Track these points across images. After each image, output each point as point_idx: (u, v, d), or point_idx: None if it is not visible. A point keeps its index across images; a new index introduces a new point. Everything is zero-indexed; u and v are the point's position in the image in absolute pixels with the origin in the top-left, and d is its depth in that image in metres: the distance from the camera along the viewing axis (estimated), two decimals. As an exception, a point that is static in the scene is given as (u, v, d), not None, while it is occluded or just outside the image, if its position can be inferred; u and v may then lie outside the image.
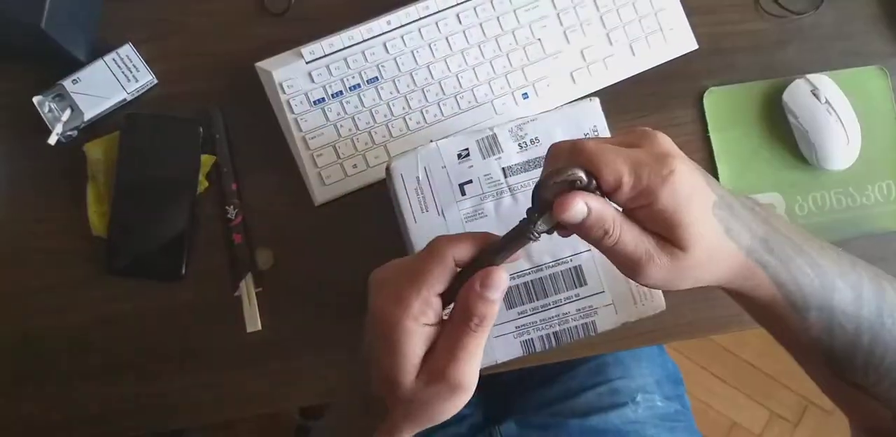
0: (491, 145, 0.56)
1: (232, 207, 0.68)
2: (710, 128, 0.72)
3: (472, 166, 0.56)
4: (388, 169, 0.57)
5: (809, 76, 0.72)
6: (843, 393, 0.46)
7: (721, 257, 0.40)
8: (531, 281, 0.56)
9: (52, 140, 0.66)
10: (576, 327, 0.56)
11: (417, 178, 0.56)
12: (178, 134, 0.68)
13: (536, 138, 0.57)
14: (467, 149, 0.56)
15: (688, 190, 0.38)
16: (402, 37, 0.68)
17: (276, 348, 0.69)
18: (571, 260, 0.56)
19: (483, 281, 0.40)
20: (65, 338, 0.68)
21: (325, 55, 0.67)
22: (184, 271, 0.68)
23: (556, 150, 0.42)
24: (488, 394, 0.89)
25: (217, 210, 0.69)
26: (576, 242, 0.56)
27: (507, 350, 0.56)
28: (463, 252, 0.41)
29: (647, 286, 0.46)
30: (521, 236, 0.41)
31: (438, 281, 0.40)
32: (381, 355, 0.41)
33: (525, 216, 0.41)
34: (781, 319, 0.43)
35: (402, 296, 0.40)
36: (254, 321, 0.67)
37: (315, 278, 0.69)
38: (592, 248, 0.55)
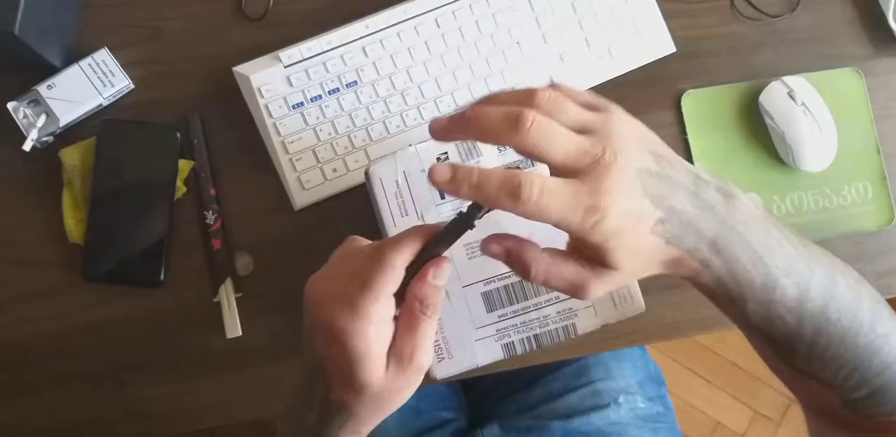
0: (470, 149, 0.57)
1: (210, 212, 0.68)
2: (688, 130, 0.73)
3: None
4: (367, 173, 0.57)
5: (785, 78, 0.73)
6: (788, 375, 0.47)
7: (658, 260, 0.41)
8: (511, 284, 0.56)
9: (28, 146, 0.65)
10: (556, 329, 0.56)
11: (397, 182, 0.56)
12: (156, 139, 0.68)
13: None
14: (446, 152, 0.57)
15: (615, 227, 0.38)
16: (380, 41, 0.68)
17: (256, 354, 0.69)
18: None
19: (434, 273, 0.43)
20: (43, 346, 0.68)
21: (304, 59, 0.67)
22: (162, 277, 0.67)
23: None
24: (471, 398, 0.90)
25: (195, 215, 0.69)
26: (555, 244, 0.56)
27: (488, 353, 0.56)
28: (408, 256, 0.43)
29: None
30: (462, 228, 0.42)
31: (392, 286, 0.42)
32: (342, 363, 0.42)
33: (464, 211, 0.42)
34: (722, 305, 0.44)
35: (359, 306, 0.41)
36: (234, 327, 0.67)
37: (295, 282, 0.68)
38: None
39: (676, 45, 0.73)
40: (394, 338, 0.43)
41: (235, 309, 0.67)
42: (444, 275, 0.43)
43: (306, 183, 0.68)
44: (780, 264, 0.41)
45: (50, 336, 0.68)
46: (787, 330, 0.43)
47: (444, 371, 0.55)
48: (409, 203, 0.56)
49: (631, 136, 0.40)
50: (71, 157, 0.67)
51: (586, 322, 0.57)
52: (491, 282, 0.56)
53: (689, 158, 0.73)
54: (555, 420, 0.79)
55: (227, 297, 0.67)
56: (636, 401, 0.82)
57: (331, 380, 0.43)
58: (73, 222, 0.67)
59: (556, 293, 0.56)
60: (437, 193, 0.56)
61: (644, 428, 0.81)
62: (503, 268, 0.56)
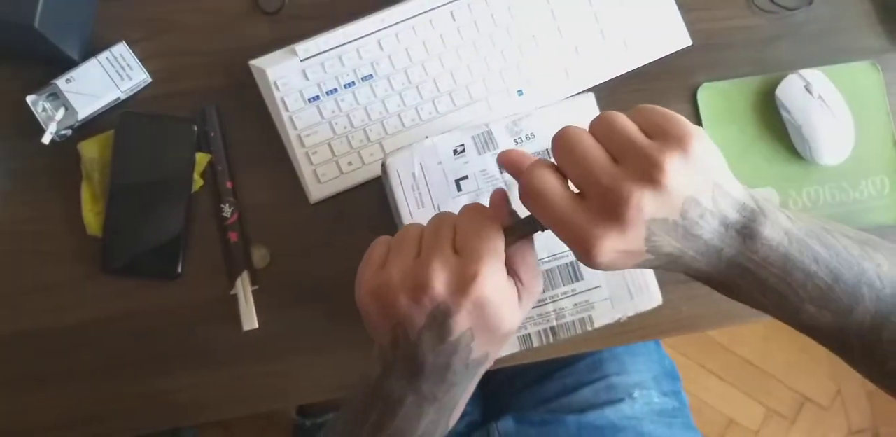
0: (486, 141, 0.57)
1: (227, 205, 0.68)
2: (703, 123, 0.73)
3: (467, 162, 0.56)
4: (383, 165, 0.57)
5: (802, 71, 0.72)
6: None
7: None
8: None
9: (46, 139, 0.65)
10: (573, 321, 0.56)
11: (413, 174, 0.56)
12: (173, 132, 0.68)
13: (532, 134, 0.57)
14: (463, 145, 0.57)
15: (605, 262, 0.40)
16: (396, 34, 0.68)
17: (273, 347, 0.69)
18: (568, 255, 0.57)
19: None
20: (60, 338, 0.68)
21: (320, 53, 0.67)
22: (180, 270, 0.68)
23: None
24: (486, 392, 0.90)
25: (212, 208, 0.69)
26: None
27: (505, 346, 0.56)
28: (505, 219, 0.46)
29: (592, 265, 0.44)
30: (531, 230, 0.46)
31: (501, 243, 0.44)
32: (490, 323, 0.43)
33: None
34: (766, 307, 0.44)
35: (486, 266, 0.42)
36: (250, 320, 0.67)
37: (312, 275, 0.69)
38: None
39: (692, 38, 0.73)
40: (520, 279, 0.46)
41: (252, 302, 0.67)
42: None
43: (322, 176, 0.68)
44: (803, 295, 0.41)
45: (67, 328, 0.68)
46: (862, 343, 0.42)
47: None
48: (425, 195, 0.56)
49: (676, 180, 0.38)
50: (89, 150, 0.67)
51: (603, 315, 0.57)
52: None
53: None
54: (569, 414, 0.79)
55: (244, 289, 0.67)
56: (651, 396, 0.82)
57: (475, 345, 0.44)
58: (91, 215, 0.67)
59: (572, 285, 0.56)
60: (455, 185, 0.56)
61: (659, 423, 0.80)
62: None
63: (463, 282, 0.42)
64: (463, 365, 0.45)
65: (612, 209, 0.37)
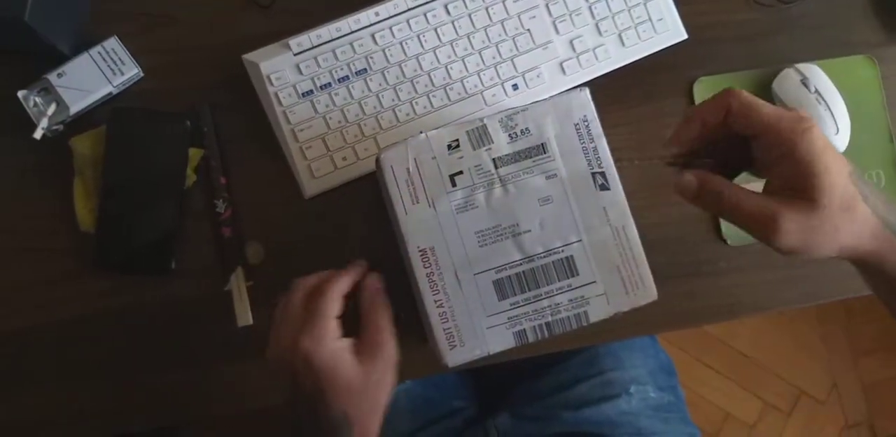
0: (481, 136, 0.56)
1: (221, 200, 0.68)
2: (700, 118, 0.72)
3: (462, 157, 0.56)
4: (378, 160, 0.56)
5: (799, 65, 0.72)
6: None
7: (857, 218, 0.41)
8: (523, 272, 0.56)
9: (38, 135, 0.65)
10: (568, 317, 0.56)
11: (407, 169, 0.56)
12: (166, 128, 0.67)
13: (527, 129, 0.56)
14: (457, 140, 0.56)
15: (823, 144, 0.40)
16: (390, 28, 0.68)
17: (267, 343, 0.68)
18: (563, 250, 0.56)
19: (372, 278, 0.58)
20: (53, 334, 0.68)
21: (313, 47, 0.67)
22: (173, 266, 0.67)
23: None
24: (482, 387, 0.90)
25: (206, 204, 0.69)
26: (566, 232, 0.56)
27: (500, 341, 0.56)
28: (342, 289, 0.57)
29: (787, 252, 0.44)
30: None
31: (332, 310, 0.55)
32: (325, 378, 0.51)
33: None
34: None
35: (311, 332, 0.53)
36: (245, 316, 0.67)
37: (306, 271, 0.68)
38: (586, 238, 0.55)
39: (688, 32, 0.72)
40: (357, 337, 0.53)
41: (247, 298, 0.67)
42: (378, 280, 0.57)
43: (316, 172, 0.68)
44: None
45: (60, 324, 0.68)
46: None
47: (455, 359, 0.55)
48: (419, 190, 0.56)
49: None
50: (81, 145, 0.67)
51: (598, 310, 0.56)
52: (502, 270, 0.56)
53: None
54: (565, 410, 0.79)
55: (239, 285, 0.67)
56: (647, 391, 0.82)
57: (326, 400, 0.51)
58: (84, 211, 0.67)
59: (568, 281, 0.56)
60: (449, 181, 0.56)
61: (655, 418, 0.80)
62: (514, 255, 0.56)
63: (293, 347, 0.52)
64: (328, 422, 0.51)
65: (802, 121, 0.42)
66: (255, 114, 0.68)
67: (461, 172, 0.56)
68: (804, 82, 0.71)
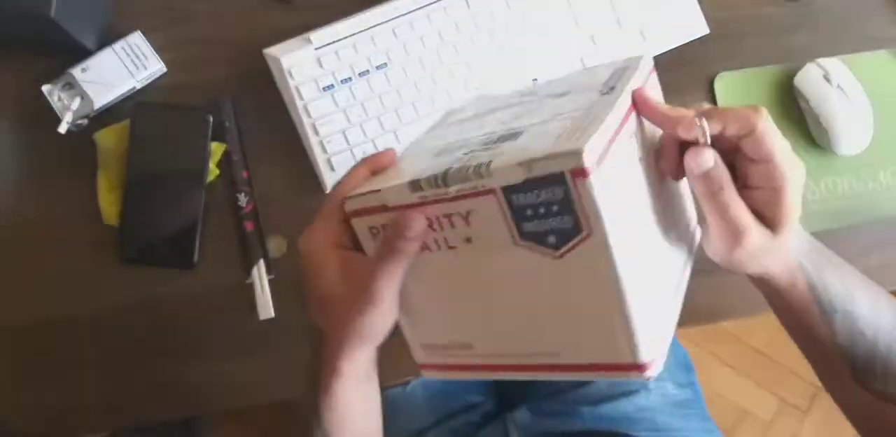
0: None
1: (243, 194, 0.68)
2: (721, 113, 0.72)
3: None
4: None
5: (821, 61, 0.72)
6: (862, 405, 0.48)
7: (786, 249, 0.43)
8: (466, 139, 0.46)
9: (63, 129, 0.66)
10: (466, 166, 0.40)
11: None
12: (188, 122, 0.68)
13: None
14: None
15: (792, 164, 0.41)
16: (410, 22, 0.68)
17: (289, 335, 0.69)
18: (521, 128, 0.43)
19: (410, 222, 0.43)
20: (77, 326, 0.69)
21: (334, 41, 0.67)
22: (196, 259, 0.68)
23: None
24: (500, 383, 0.90)
25: (228, 198, 0.69)
26: (543, 114, 0.44)
27: (396, 186, 0.42)
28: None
29: (725, 264, 0.45)
30: None
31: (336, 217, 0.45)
32: (308, 282, 0.46)
33: None
34: (810, 322, 0.46)
35: (312, 229, 0.46)
36: (266, 309, 0.67)
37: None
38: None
39: (710, 27, 0.72)
40: (365, 265, 0.44)
41: (268, 291, 0.68)
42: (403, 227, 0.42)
43: (336, 165, 0.68)
44: (852, 278, 0.46)
45: (83, 317, 0.69)
46: (865, 347, 0.45)
47: (352, 201, 0.44)
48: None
49: None
50: (105, 139, 0.67)
51: (506, 163, 0.38)
52: (450, 144, 0.46)
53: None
54: (584, 405, 0.79)
55: (260, 278, 0.68)
56: (666, 387, 0.81)
57: (308, 304, 0.47)
58: (107, 204, 0.68)
59: (503, 145, 0.41)
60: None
61: (675, 415, 0.80)
62: (472, 133, 0.46)
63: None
64: (309, 331, 0.48)
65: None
66: (277, 108, 0.69)
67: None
68: (826, 77, 0.71)
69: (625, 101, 0.42)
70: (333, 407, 0.47)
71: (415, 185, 0.41)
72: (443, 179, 0.40)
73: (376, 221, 0.43)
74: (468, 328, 0.45)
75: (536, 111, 0.46)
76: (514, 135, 0.42)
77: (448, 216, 0.42)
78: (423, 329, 0.47)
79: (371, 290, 0.42)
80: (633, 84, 0.43)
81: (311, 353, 0.49)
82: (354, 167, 0.47)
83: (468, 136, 0.46)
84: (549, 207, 0.38)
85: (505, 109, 0.49)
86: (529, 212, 0.39)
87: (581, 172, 0.36)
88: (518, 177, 0.38)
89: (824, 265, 0.45)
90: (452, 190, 0.40)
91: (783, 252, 0.44)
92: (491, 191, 0.39)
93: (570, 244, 0.38)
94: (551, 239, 0.39)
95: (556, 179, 0.37)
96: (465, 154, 0.42)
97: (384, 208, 0.43)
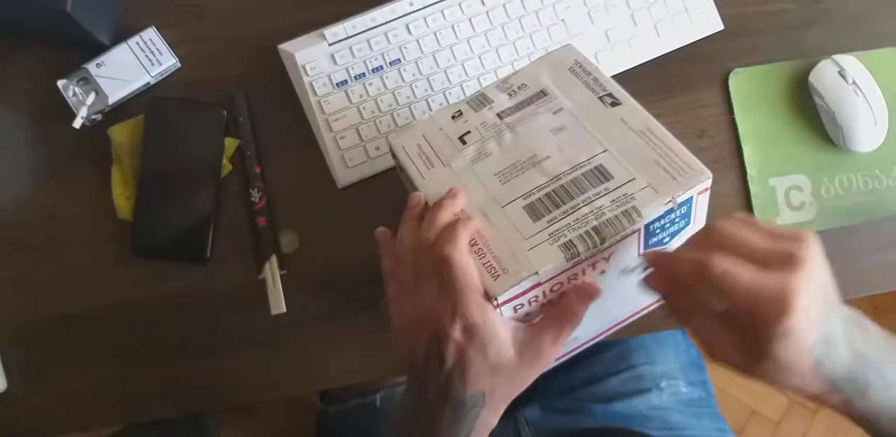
0: (481, 101, 0.57)
1: (256, 190, 0.68)
2: (735, 109, 0.72)
3: (466, 121, 0.56)
4: (390, 146, 0.57)
5: (836, 57, 0.71)
6: None
7: (801, 382, 0.43)
8: (553, 190, 0.51)
9: (77, 124, 0.66)
10: (616, 216, 0.48)
11: (418, 145, 0.56)
12: (202, 117, 0.68)
13: (523, 84, 0.57)
14: (459, 110, 0.57)
15: (793, 340, 0.40)
16: (424, 18, 0.68)
17: (300, 331, 0.69)
18: (590, 162, 0.51)
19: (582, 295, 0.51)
20: (90, 321, 0.69)
21: (348, 37, 0.67)
22: (209, 254, 0.68)
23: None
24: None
25: (241, 193, 0.69)
26: (589, 147, 0.52)
27: (546, 257, 0.48)
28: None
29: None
30: None
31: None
32: (479, 353, 0.47)
33: None
34: (856, 421, 0.46)
35: (474, 302, 0.47)
36: (278, 304, 0.67)
37: (340, 260, 0.69)
38: (611, 147, 0.52)
39: (724, 23, 0.71)
40: (533, 334, 0.49)
41: (280, 286, 0.68)
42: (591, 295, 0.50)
43: (350, 161, 0.68)
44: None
45: (97, 311, 0.69)
46: None
47: (500, 287, 0.48)
48: (433, 157, 0.55)
49: (818, 266, 0.41)
50: (120, 134, 0.68)
51: (648, 201, 0.49)
52: (531, 195, 0.51)
53: (737, 138, 0.72)
54: (596, 403, 0.79)
55: (272, 274, 0.68)
56: (678, 386, 0.81)
57: (469, 377, 0.47)
58: (121, 199, 0.68)
59: (604, 185, 0.50)
60: (459, 141, 0.55)
61: (687, 413, 0.80)
62: (539, 180, 0.52)
63: (452, 313, 0.47)
64: (461, 401, 0.48)
65: (795, 261, 0.40)
66: (290, 104, 0.69)
67: (469, 132, 0.55)
68: (841, 74, 0.70)
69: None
70: None
71: (572, 253, 0.48)
72: (599, 237, 0.48)
73: (523, 300, 0.50)
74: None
75: (576, 135, 0.53)
76: (601, 172, 0.51)
77: (593, 264, 0.50)
78: None
79: (546, 355, 0.49)
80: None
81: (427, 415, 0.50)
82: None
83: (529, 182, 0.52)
84: (672, 221, 0.51)
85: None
86: (657, 230, 0.50)
87: (706, 189, 0.50)
88: (660, 211, 0.48)
89: (869, 382, 0.43)
90: (608, 244, 0.48)
91: (786, 381, 0.43)
92: (636, 231, 0.49)
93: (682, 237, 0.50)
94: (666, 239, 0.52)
95: (689, 201, 0.49)
96: (590, 209, 0.49)
97: (537, 285, 0.49)
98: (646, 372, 0.81)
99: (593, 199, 0.49)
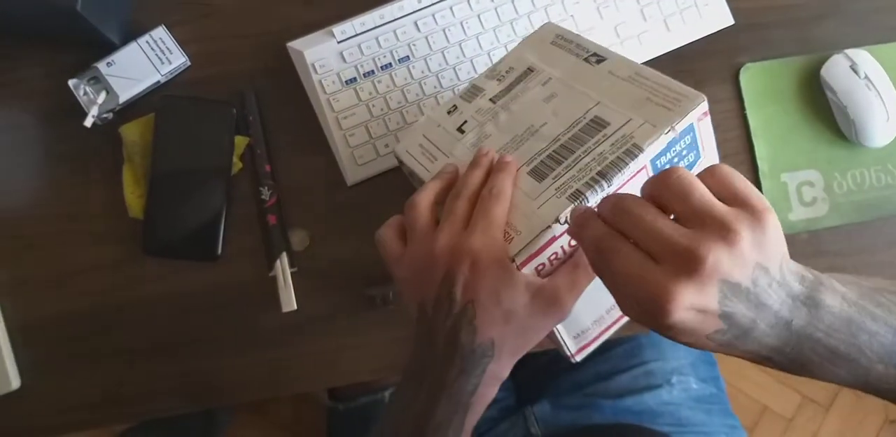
0: (473, 93, 0.58)
1: (266, 188, 0.69)
2: (746, 105, 0.71)
3: (461, 112, 0.57)
4: (395, 155, 0.58)
5: (848, 51, 0.71)
6: None
7: (714, 350, 0.41)
8: (553, 150, 0.51)
9: (88, 123, 0.66)
10: (618, 157, 0.47)
11: (420, 145, 0.57)
12: (212, 116, 0.68)
13: (511, 68, 0.58)
14: (454, 105, 0.58)
15: (679, 332, 0.39)
16: (433, 15, 0.68)
17: (311, 329, 0.69)
18: (584, 117, 0.51)
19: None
20: (102, 319, 0.69)
21: (357, 34, 0.67)
22: (219, 252, 0.68)
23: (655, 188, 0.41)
24: (521, 378, 0.89)
25: (251, 191, 0.70)
26: (581, 104, 0.52)
27: (555, 209, 0.47)
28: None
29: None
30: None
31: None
32: (489, 297, 0.46)
33: None
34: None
35: (496, 246, 0.47)
36: (289, 302, 0.68)
37: (350, 257, 0.69)
38: (602, 98, 0.52)
39: (735, 18, 0.71)
40: (549, 281, 0.47)
41: (291, 284, 0.68)
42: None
43: (359, 159, 0.68)
44: (871, 355, 0.41)
45: (108, 309, 0.69)
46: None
47: (516, 247, 0.47)
48: (435, 151, 0.56)
49: (750, 247, 0.38)
50: (131, 133, 0.68)
51: (647, 136, 0.48)
52: (533, 160, 0.51)
53: (748, 133, 0.71)
54: (605, 399, 0.79)
55: (283, 271, 0.68)
56: (689, 382, 0.81)
57: (477, 323, 0.46)
58: (132, 198, 0.68)
59: (602, 132, 0.49)
60: (457, 132, 0.56)
61: (697, 409, 0.80)
62: (540, 145, 0.52)
63: (460, 250, 0.46)
64: (470, 349, 0.46)
65: (687, 266, 0.37)
66: (300, 102, 0.69)
67: (465, 122, 0.57)
68: (853, 68, 0.70)
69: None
70: (479, 412, 0.49)
71: (580, 200, 0.47)
72: (605, 180, 0.47)
73: (542, 258, 0.48)
74: (598, 305, 0.52)
75: (567, 97, 0.53)
76: (597, 122, 0.50)
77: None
78: (571, 322, 0.52)
79: (561, 303, 0.47)
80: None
81: (441, 364, 0.48)
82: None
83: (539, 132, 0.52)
84: (679, 154, 0.49)
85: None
86: (665, 166, 0.48)
87: (705, 114, 0.48)
88: (662, 143, 0.47)
89: (810, 358, 0.40)
90: (615, 185, 0.47)
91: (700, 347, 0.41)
92: (643, 168, 0.47)
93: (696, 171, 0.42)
94: None
95: (690, 129, 0.48)
96: (592, 158, 0.48)
97: (552, 239, 0.48)
98: (656, 368, 0.81)
99: (594, 147, 0.49)
